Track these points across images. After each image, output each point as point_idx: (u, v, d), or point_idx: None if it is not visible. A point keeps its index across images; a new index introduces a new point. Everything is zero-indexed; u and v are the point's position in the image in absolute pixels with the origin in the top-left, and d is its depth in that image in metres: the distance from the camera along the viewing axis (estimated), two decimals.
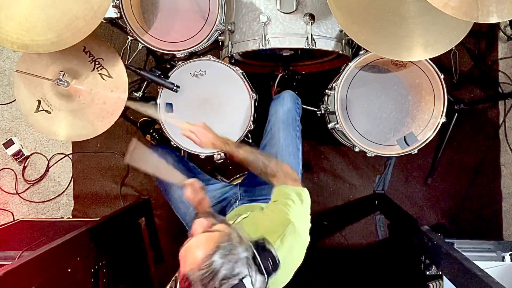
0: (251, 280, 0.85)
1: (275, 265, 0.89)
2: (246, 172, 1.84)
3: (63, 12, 1.34)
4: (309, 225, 1.20)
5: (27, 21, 1.35)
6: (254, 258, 0.88)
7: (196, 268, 0.83)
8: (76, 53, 1.53)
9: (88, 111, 1.55)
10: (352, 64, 1.63)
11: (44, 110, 1.57)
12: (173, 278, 0.90)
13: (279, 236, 1.08)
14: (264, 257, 0.89)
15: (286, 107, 1.60)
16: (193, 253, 0.86)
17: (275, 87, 2.05)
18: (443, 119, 1.66)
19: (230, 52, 1.69)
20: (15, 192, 2.46)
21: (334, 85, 1.67)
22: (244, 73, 1.68)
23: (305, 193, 1.25)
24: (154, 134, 2.18)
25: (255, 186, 1.57)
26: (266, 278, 0.88)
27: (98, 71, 1.54)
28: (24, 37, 1.35)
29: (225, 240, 0.87)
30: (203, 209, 1.36)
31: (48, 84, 1.53)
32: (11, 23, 1.35)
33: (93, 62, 1.54)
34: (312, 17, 1.58)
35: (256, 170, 1.38)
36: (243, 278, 0.84)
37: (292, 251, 1.11)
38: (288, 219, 1.13)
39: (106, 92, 1.54)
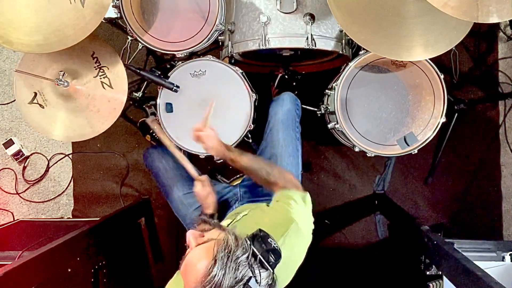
0: (256, 280, 0.85)
1: (277, 256, 0.89)
2: None
3: (54, 17, 1.35)
4: (312, 226, 1.20)
5: (17, 19, 1.35)
6: (254, 255, 0.88)
7: (199, 286, 0.83)
8: (84, 56, 1.54)
9: (81, 114, 1.56)
10: (352, 64, 1.63)
11: (38, 103, 1.57)
12: None
13: (282, 235, 1.08)
14: (264, 250, 0.88)
15: (285, 108, 1.60)
16: (192, 271, 0.86)
17: (274, 87, 2.05)
18: (443, 119, 1.66)
19: (230, 52, 1.69)
20: (15, 192, 2.46)
21: (334, 85, 1.67)
22: (244, 73, 1.68)
23: (308, 196, 1.25)
24: (154, 134, 2.17)
25: (256, 187, 1.57)
26: (271, 270, 0.88)
27: (100, 78, 1.55)
28: (11, 33, 1.35)
29: (221, 248, 0.86)
30: (207, 205, 1.44)
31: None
32: (1, 18, 1.36)
33: (98, 69, 1.55)
34: (312, 17, 1.58)
35: (259, 178, 1.37)
36: (248, 281, 0.84)
37: (294, 250, 1.11)
38: (291, 218, 1.14)
39: (103, 101, 1.55)
